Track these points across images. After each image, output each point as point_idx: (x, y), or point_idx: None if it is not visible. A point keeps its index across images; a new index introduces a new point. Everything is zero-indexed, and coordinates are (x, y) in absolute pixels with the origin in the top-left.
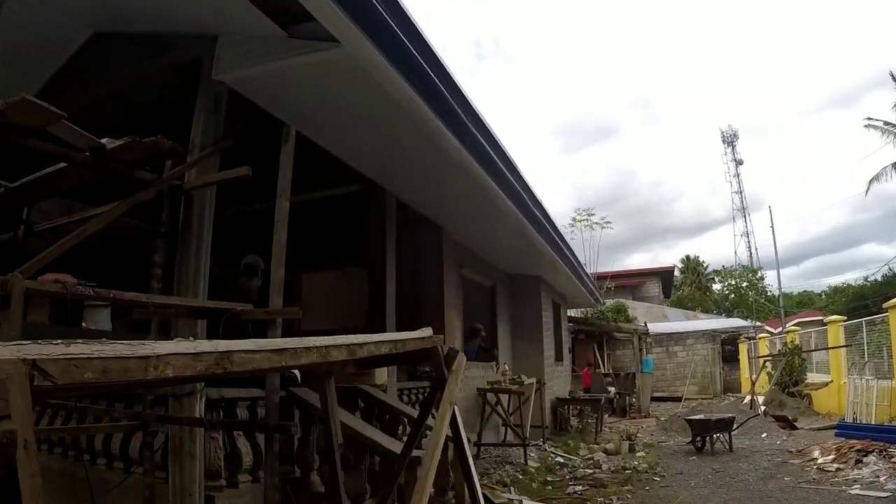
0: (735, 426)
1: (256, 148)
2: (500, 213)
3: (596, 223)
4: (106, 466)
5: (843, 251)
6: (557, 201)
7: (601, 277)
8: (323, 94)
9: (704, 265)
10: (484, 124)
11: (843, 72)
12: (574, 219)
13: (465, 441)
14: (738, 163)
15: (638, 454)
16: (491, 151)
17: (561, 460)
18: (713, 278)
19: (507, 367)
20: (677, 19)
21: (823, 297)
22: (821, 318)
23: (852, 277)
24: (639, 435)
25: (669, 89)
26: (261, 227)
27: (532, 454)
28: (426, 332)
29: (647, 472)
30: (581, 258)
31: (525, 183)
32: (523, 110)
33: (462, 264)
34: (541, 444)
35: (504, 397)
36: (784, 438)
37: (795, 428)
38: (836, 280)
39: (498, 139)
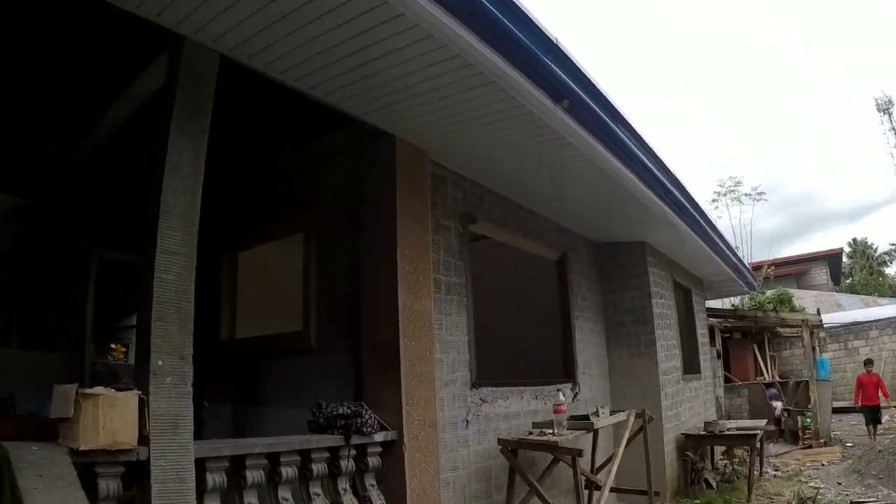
0: None
1: None
2: (551, 136)
3: (746, 195)
4: None
5: None
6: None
7: (757, 267)
8: None
9: (874, 248)
10: None
11: None
12: (717, 192)
13: None
14: None
15: None
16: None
17: None
18: (885, 260)
19: (562, 395)
20: None
21: None
22: None
23: None
24: (821, 491)
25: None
26: None
27: None
28: None
29: None
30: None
31: (599, 93)
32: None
33: (471, 215)
34: None
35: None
36: None
37: None
38: None
39: None
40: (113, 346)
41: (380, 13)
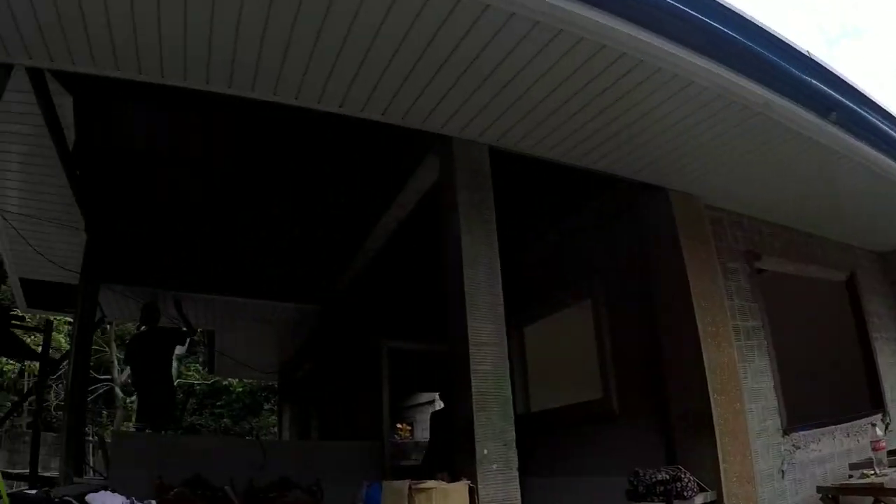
0: None
1: None
2: (822, 152)
3: None
4: None
5: None
6: None
7: None
8: None
9: None
10: None
11: None
12: None
13: None
14: None
15: None
16: None
17: None
18: None
19: (878, 430)
20: None
21: None
22: None
23: None
24: None
25: None
26: None
27: None
28: None
29: None
30: None
31: (865, 97)
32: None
33: (755, 252)
34: None
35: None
36: None
37: None
38: None
39: None
40: (399, 425)
41: (637, 74)
